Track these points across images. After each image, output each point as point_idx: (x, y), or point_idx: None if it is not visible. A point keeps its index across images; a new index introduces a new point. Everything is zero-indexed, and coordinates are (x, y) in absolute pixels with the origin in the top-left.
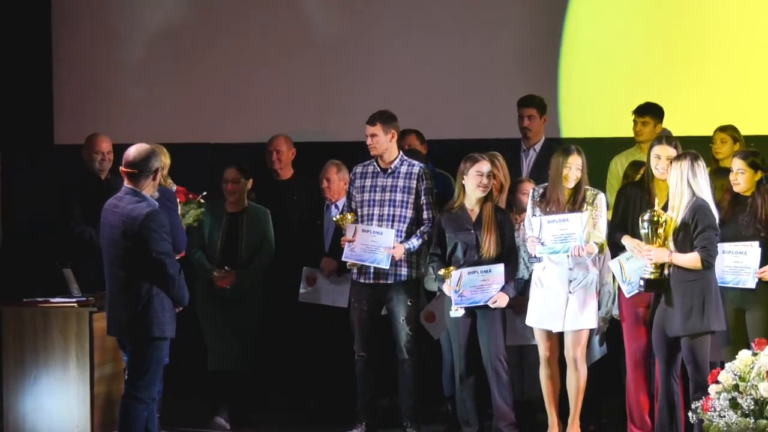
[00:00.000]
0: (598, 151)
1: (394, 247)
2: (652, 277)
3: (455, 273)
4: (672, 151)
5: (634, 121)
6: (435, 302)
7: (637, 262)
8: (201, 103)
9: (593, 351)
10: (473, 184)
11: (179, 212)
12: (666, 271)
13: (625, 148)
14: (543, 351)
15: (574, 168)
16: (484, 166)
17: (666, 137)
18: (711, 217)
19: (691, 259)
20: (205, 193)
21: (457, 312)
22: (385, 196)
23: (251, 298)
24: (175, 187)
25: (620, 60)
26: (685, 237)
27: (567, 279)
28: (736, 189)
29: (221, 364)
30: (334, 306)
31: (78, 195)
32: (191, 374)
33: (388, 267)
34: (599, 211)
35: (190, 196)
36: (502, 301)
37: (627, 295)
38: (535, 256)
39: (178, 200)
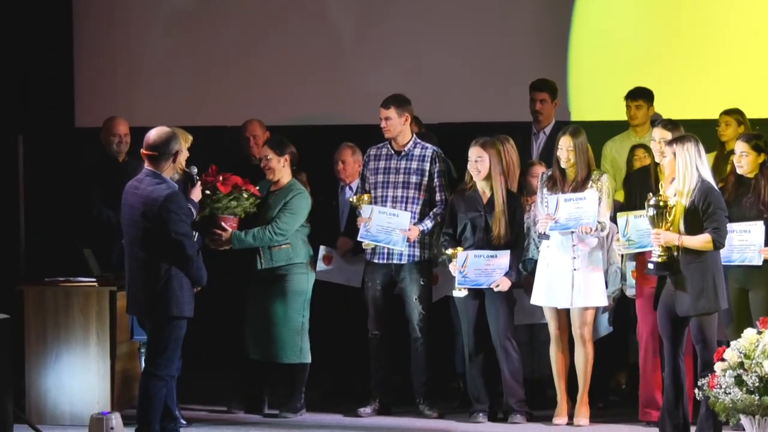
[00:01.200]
0: (608, 134)
1: (409, 229)
2: (660, 260)
3: (461, 254)
4: (666, 134)
5: (627, 105)
6: (442, 267)
7: (643, 224)
8: (217, 86)
9: (599, 328)
10: (469, 167)
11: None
12: (675, 253)
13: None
14: (553, 329)
15: (564, 149)
16: (473, 152)
17: (663, 120)
18: (721, 200)
19: (701, 241)
20: (258, 187)
21: (460, 292)
22: (399, 179)
23: (292, 290)
24: (195, 170)
25: (629, 44)
26: (695, 219)
27: (571, 256)
28: (739, 171)
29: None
30: (347, 285)
31: (96, 177)
32: (211, 354)
33: (403, 248)
34: (603, 192)
35: (246, 187)
36: (505, 285)
37: (622, 250)
38: (544, 234)
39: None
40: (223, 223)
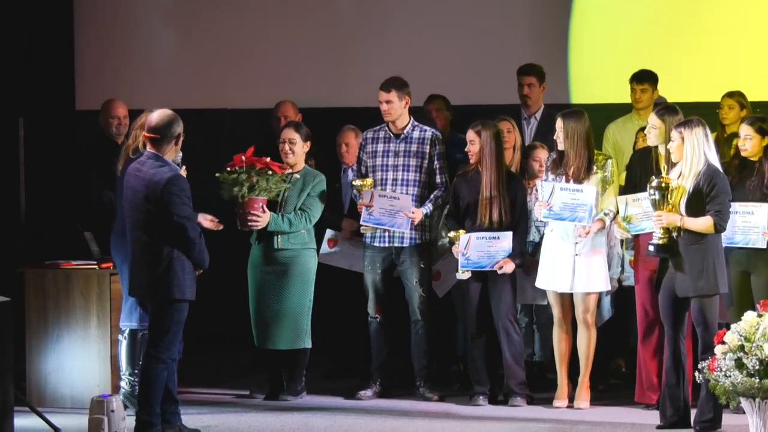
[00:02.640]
0: (609, 117)
1: (413, 212)
2: (661, 242)
3: (464, 236)
4: (658, 121)
5: (633, 88)
6: (442, 261)
7: (640, 208)
8: (219, 69)
9: (602, 312)
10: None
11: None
12: (675, 235)
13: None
14: (556, 312)
15: (557, 127)
16: (467, 136)
17: (659, 107)
18: (725, 183)
19: (703, 224)
20: (290, 171)
21: (463, 274)
22: (399, 161)
23: (302, 273)
24: (180, 155)
25: (630, 26)
26: (698, 202)
27: (573, 241)
28: (743, 154)
29: (268, 343)
30: (350, 270)
31: (96, 160)
32: (209, 334)
33: (407, 231)
34: (608, 178)
35: (277, 170)
36: (508, 267)
37: (623, 235)
38: (541, 220)
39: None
40: (262, 205)
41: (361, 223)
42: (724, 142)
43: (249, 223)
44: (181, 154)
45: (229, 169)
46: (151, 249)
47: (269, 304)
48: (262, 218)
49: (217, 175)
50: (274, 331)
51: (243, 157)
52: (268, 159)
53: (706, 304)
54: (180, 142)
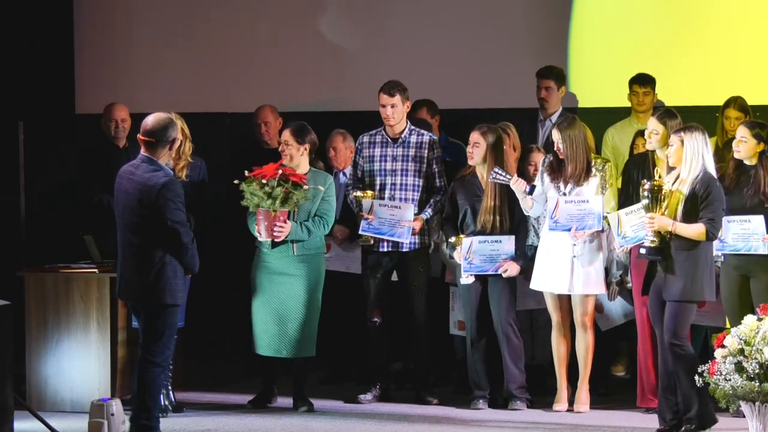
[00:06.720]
0: (609, 120)
1: (414, 220)
2: (652, 245)
3: (465, 241)
4: (659, 126)
5: (635, 92)
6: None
7: (636, 219)
8: (220, 72)
9: (614, 316)
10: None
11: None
12: (668, 238)
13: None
14: (554, 316)
15: (555, 142)
16: (471, 137)
17: (660, 111)
18: (720, 192)
19: (695, 231)
20: (307, 188)
21: (467, 279)
22: (397, 166)
23: (308, 280)
24: (171, 163)
25: (630, 30)
26: (693, 208)
27: (571, 243)
28: (736, 156)
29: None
30: (348, 272)
31: (97, 163)
32: (209, 338)
33: (409, 240)
34: (606, 181)
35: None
36: (513, 270)
37: (618, 249)
38: (527, 190)
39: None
40: (283, 216)
41: (360, 232)
42: (724, 146)
43: (275, 234)
44: (171, 163)
45: (256, 178)
46: (142, 253)
47: (281, 312)
48: (286, 228)
49: (237, 182)
50: (285, 340)
51: (280, 171)
52: (296, 171)
53: (683, 308)
54: (174, 147)
